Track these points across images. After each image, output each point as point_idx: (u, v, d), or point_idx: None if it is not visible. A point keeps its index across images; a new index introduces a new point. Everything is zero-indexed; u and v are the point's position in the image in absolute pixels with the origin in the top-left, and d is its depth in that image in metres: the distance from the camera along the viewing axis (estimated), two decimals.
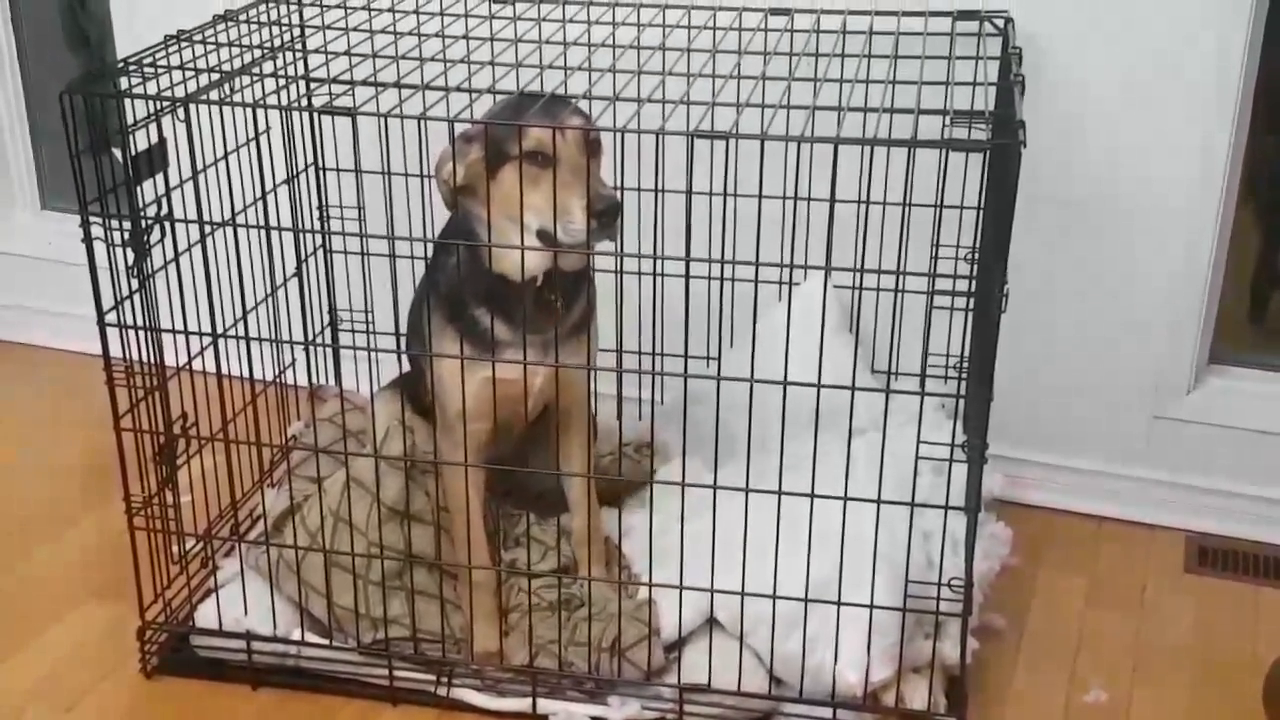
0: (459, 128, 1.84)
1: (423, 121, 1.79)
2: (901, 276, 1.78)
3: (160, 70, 1.96)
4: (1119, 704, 2.10)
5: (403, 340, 2.24)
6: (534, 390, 2.04)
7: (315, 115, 2.44)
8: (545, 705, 2.03)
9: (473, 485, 2.05)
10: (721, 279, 2.25)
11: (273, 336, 2.23)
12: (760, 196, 1.75)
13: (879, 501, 1.85)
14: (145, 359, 2.00)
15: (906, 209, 1.79)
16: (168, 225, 1.96)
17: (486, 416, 2.00)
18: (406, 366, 2.37)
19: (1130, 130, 2.35)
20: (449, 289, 2.00)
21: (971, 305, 2.00)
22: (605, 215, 1.83)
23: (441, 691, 2.06)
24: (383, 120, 1.82)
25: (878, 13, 2.19)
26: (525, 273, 1.92)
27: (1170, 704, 2.11)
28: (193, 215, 1.95)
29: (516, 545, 2.28)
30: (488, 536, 2.13)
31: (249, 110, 1.91)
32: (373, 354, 2.45)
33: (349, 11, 2.26)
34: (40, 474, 2.73)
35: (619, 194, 1.92)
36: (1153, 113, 2.33)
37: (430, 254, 2.08)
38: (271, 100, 1.89)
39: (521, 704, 2.04)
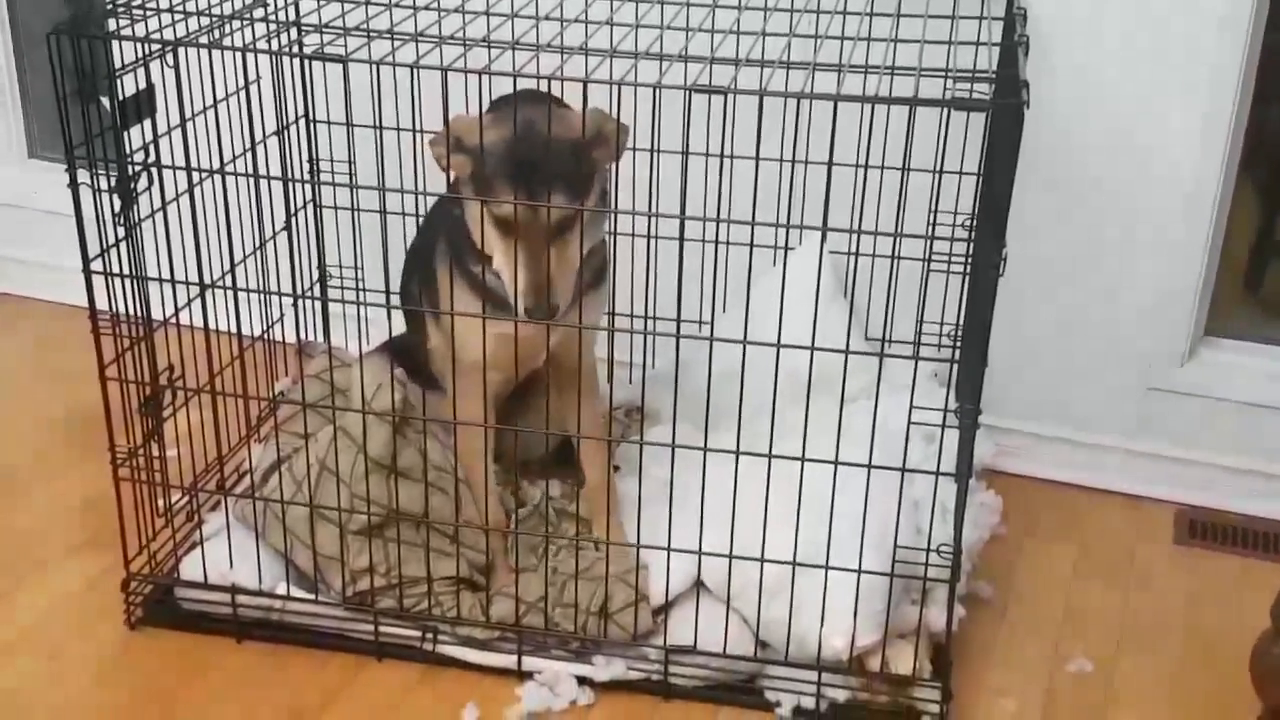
0: (452, 111, 1.80)
1: (415, 70, 1.76)
2: (898, 240, 1.76)
3: (149, 13, 1.93)
4: (1103, 673, 2.10)
5: (394, 298, 2.22)
6: (541, 346, 2.01)
7: (306, 62, 2.40)
8: (530, 663, 2.02)
9: (480, 434, 2.05)
10: (716, 241, 2.24)
11: (261, 289, 2.20)
12: (757, 159, 1.72)
13: (869, 466, 1.84)
14: (131, 309, 1.98)
15: (905, 172, 1.77)
16: (155, 172, 1.93)
17: (494, 368, 1.99)
18: (399, 327, 2.34)
19: (1131, 101, 2.32)
20: (456, 242, 1.99)
21: (968, 270, 1.98)
22: (530, 315, 1.86)
23: (427, 647, 2.06)
24: (375, 69, 1.78)
25: None
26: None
27: (1155, 675, 2.11)
28: (180, 164, 1.92)
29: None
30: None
31: (239, 57, 1.88)
32: (362, 310, 2.42)
33: None
34: (28, 427, 2.70)
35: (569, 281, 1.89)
36: (1155, 84, 2.30)
37: (428, 207, 2.05)
38: (262, 46, 1.86)
39: (507, 660, 2.03)
